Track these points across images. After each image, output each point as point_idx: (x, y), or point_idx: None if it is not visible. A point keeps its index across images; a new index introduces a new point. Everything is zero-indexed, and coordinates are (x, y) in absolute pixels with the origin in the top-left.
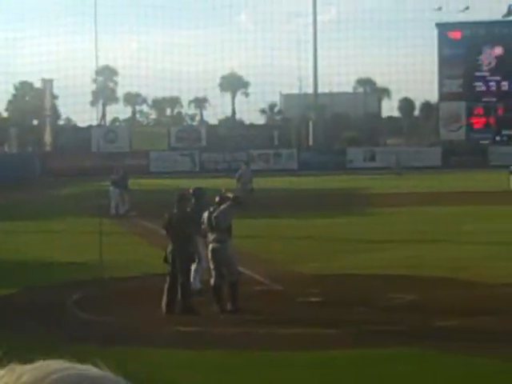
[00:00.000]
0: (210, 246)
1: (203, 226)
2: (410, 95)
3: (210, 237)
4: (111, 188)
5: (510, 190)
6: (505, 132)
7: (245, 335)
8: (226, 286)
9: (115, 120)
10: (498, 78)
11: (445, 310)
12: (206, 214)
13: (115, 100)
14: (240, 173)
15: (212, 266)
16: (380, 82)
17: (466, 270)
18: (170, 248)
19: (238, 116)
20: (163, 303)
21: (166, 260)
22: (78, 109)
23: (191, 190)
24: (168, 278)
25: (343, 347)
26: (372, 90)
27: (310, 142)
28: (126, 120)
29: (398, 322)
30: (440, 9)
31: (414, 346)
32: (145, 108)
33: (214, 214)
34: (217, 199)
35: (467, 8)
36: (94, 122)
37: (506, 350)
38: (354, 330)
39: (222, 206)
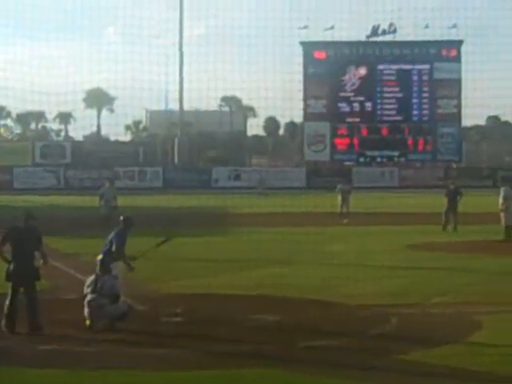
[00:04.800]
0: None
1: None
2: (276, 114)
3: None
4: None
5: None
6: (368, 153)
7: (102, 354)
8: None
9: None
10: (361, 98)
11: (308, 331)
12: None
13: None
14: (103, 190)
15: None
16: (246, 100)
17: (328, 291)
18: (13, 265)
19: (103, 132)
20: (3, 322)
21: (8, 278)
22: None
23: (121, 218)
24: (10, 296)
25: (202, 368)
26: (237, 108)
27: (176, 160)
28: None
29: (260, 342)
30: (306, 27)
31: (276, 367)
32: (9, 122)
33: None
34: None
35: (332, 27)
36: None
37: (367, 371)
38: (215, 350)
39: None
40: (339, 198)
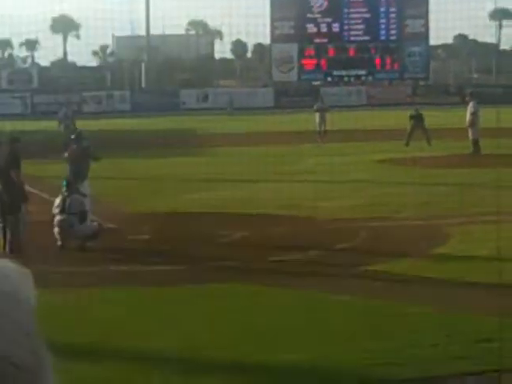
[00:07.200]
0: None
1: None
2: (243, 37)
3: None
4: None
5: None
6: (336, 73)
7: (73, 273)
8: None
9: None
10: (328, 19)
11: (276, 246)
12: None
13: None
14: (60, 115)
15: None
16: (212, 24)
17: (297, 207)
18: None
19: (70, 58)
20: None
21: None
22: None
23: (72, 136)
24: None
25: (171, 284)
26: (204, 33)
27: (143, 84)
28: None
29: (228, 258)
30: None
31: (248, 280)
32: None
33: None
34: None
35: None
36: None
37: (335, 282)
38: (184, 266)
39: None
40: (317, 117)
